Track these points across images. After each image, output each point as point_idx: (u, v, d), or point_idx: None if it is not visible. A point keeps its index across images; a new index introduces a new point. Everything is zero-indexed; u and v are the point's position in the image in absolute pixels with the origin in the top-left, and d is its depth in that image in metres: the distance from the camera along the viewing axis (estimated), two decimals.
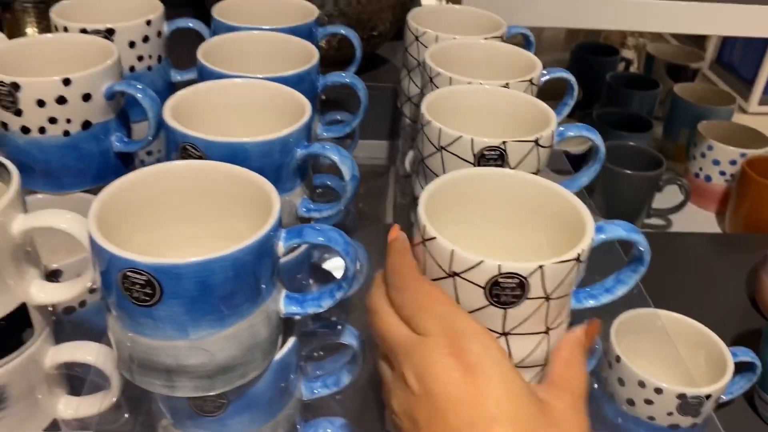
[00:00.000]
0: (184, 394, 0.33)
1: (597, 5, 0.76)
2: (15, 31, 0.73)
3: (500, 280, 0.30)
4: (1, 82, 0.43)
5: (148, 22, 0.55)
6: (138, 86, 0.47)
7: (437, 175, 0.38)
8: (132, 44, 0.55)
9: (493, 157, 0.41)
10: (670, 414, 0.48)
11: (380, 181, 0.72)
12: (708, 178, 0.89)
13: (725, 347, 0.52)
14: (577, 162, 0.73)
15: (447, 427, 0.29)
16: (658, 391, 0.48)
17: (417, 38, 0.58)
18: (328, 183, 0.56)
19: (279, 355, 0.36)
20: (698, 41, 1.24)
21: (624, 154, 0.82)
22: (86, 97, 0.45)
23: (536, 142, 0.41)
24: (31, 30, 0.75)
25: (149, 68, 0.57)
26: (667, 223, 0.88)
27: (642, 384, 0.48)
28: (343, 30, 0.61)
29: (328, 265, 0.55)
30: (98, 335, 0.39)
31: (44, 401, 0.38)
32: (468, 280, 0.31)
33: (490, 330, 0.32)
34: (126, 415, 0.40)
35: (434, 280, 0.33)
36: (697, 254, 0.79)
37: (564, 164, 0.74)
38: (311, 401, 0.41)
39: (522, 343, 0.33)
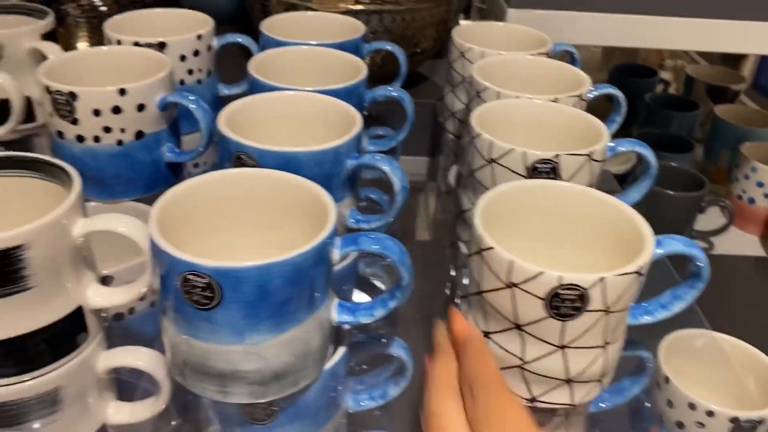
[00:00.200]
0: (236, 401, 0.33)
1: (639, 24, 0.76)
2: (68, 45, 0.75)
3: (560, 291, 0.30)
4: (59, 91, 0.44)
5: (199, 37, 0.56)
6: (191, 97, 0.48)
7: (487, 188, 0.38)
8: (183, 58, 0.56)
9: (545, 170, 0.40)
10: None
11: (417, 197, 0.72)
12: (751, 200, 0.87)
13: None
14: (619, 183, 0.72)
15: None
16: (710, 414, 0.47)
17: (462, 54, 0.58)
18: (372, 196, 0.56)
19: (329, 364, 0.36)
20: (733, 64, 1.23)
21: (666, 175, 0.81)
22: (140, 108, 0.46)
23: (590, 156, 0.41)
24: (83, 43, 0.77)
25: (199, 81, 0.58)
26: (709, 245, 0.87)
27: (693, 406, 0.47)
28: (389, 46, 0.62)
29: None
30: (147, 343, 0.39)
31: (95, 406, 0.38)
32: (527, 291, 0.31)
33: (547, 343, 0.32)
34: (173, 423, 0.40)
35: (491, 291, 0.32)
36: (742, 277, 0.78)
37: (611, 182, 0.73)
38: (357, 413, 0.41)
39: (580, 357, 0.32)
